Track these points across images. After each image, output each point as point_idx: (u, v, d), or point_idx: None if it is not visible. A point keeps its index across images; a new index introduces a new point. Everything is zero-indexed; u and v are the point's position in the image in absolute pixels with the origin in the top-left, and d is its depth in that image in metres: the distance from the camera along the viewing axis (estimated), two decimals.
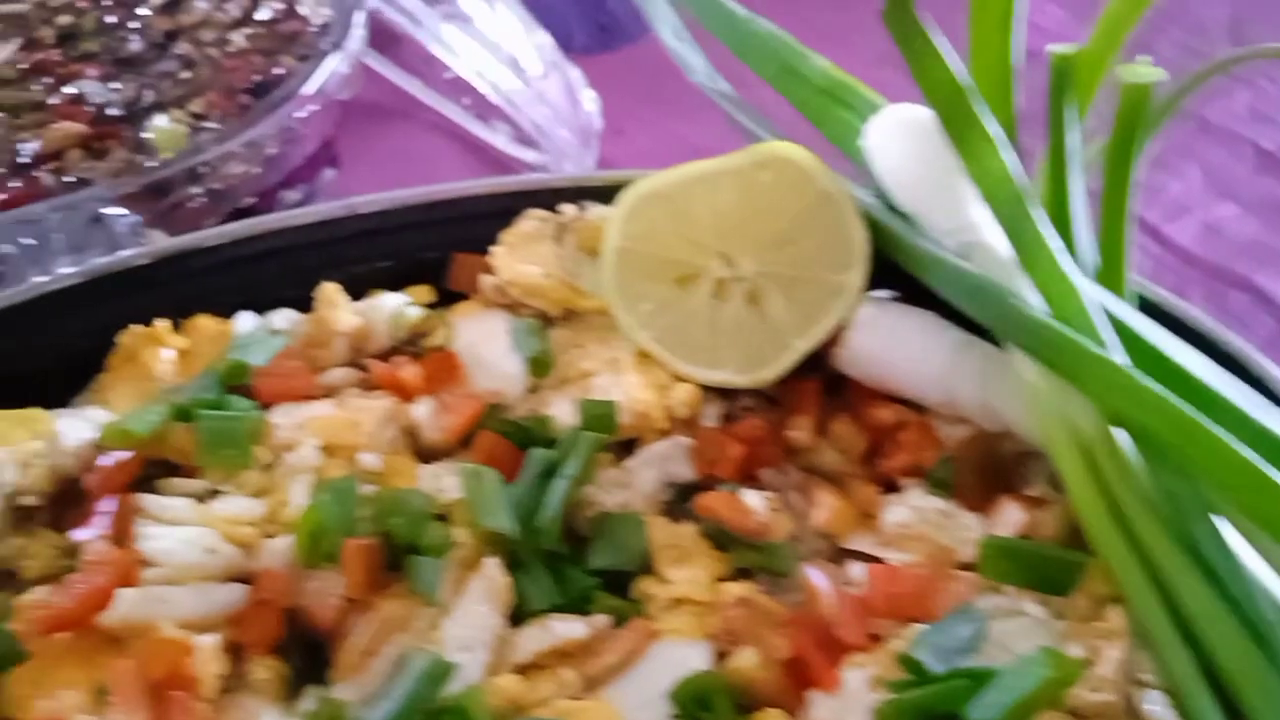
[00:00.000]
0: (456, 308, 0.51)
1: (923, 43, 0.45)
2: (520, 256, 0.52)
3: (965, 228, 0.46)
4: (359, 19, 0.60)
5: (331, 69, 0.56)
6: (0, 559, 0.41)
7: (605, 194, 0.54)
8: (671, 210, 0.48)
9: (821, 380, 0.48)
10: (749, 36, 0.55)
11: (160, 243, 0.49)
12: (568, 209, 0.53)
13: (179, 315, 0.50)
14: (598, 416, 0.45)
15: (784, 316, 0.47)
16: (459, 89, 0.81)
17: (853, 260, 0.47)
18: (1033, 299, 0.44)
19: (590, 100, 0.77)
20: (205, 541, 0.39)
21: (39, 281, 0.47)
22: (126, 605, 0.37)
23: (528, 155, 0.84)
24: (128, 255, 0.48)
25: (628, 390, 0.46)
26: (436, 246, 0.54)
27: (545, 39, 0.76)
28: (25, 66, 0.62)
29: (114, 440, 0.41)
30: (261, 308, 0.51)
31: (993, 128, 0.45)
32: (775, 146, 0.48)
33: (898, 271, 0.48)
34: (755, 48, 0.55)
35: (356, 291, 0.51)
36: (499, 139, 0.85)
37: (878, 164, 0.49)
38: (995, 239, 0.46)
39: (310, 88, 0.55)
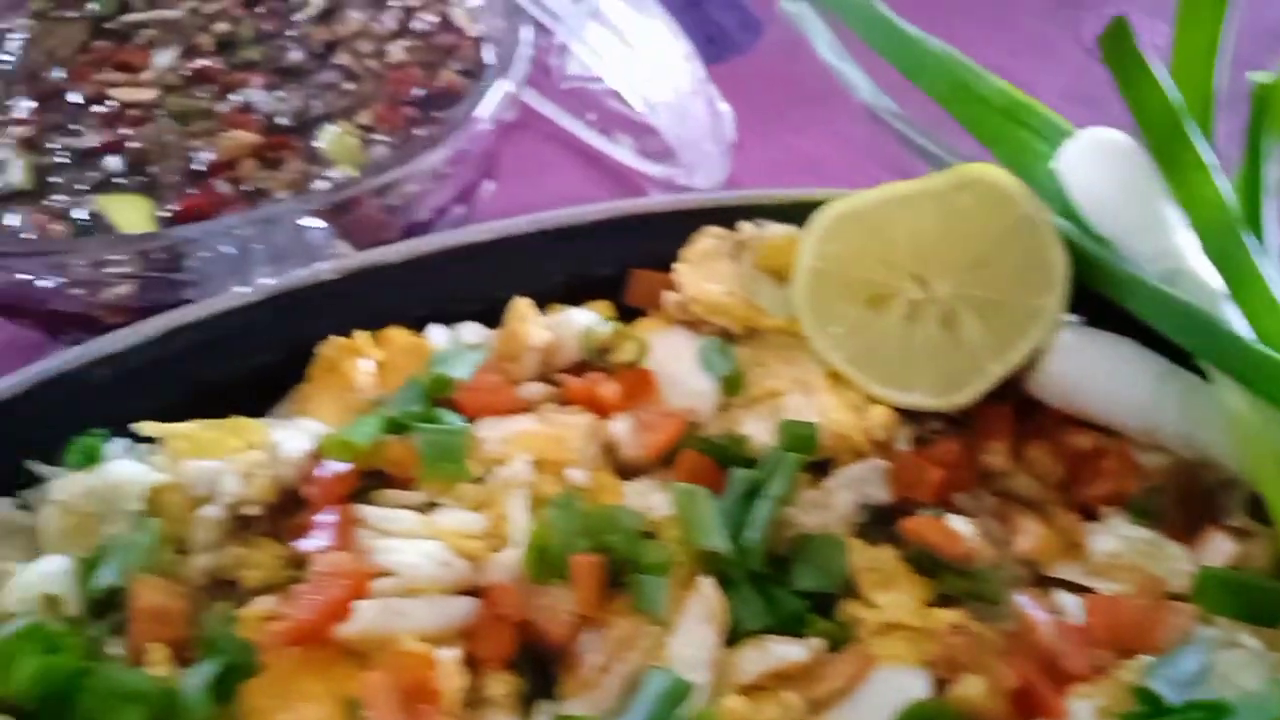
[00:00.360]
0: (640, 323, 0.52)
1: (1138, 67, 0.44)
2: (702, 274, 0.52)
3: (1169, 254, 0.46)
4: (526, 36, 0.60)
5: (505, 90, 0.56)
6: (221, 568, 0.41)
7: (778, 212, 0.54)
8: (867, 231, 0.48)
9: (1014, 405, 0.48)
10: (920, 55, 0.55)
11: (354, 257, 0.49)
12: (746, 227, 0.53)
13: (367, 327, 0.50)
14: (799, 437, 0.45)
15: (979, 340, 0.47)
16: (579, 100, 0.81)
17: (1052, 284, 0.47)
18: (1241, 327, 0.44)
19: (726, 112, 0.77)
20: (439, 554, 0.39)
21: (240, 291, 0.47)
22: (367, 618, 0.37)
23: (653, 169, 0.84)
24: (324, 268, 0.49)
25: (823, 411, 0.46)
26: (610, 262, 0.54)
27: (688, 47, 0.74)
28: (188, 73, 0.63)
29: (335, 451, 0.42)
30: (445, 321, 0.51)
31: (1206, 154, 0.45)
32: (976, 168, 0.48)
33: (1084, 296, 0.48)
34: (926, 66, 0.55)
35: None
36: (622, 152, 0.85)
37: (1074, 187, 0.48)
38: (1200, 266, 0.46)
39: (484, 110, 0.55)
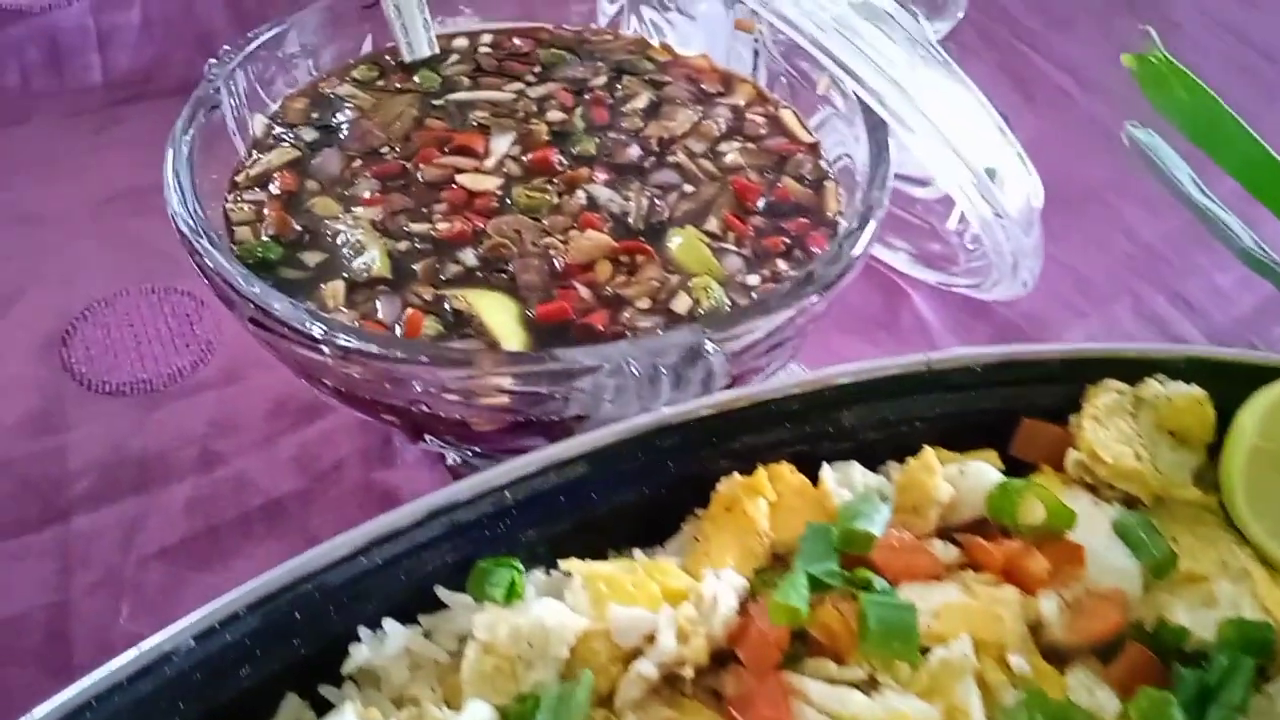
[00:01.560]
0: (1036, 481, 0.49)
1: None
2: (1105, 432, 0.49)
3: None
4: (890, 156, 0.58)
5: (874, 228, 0.54)
6: None
7: (1174, 368, 0.51)
8: None
9: None
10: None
11: (747, 389, 0.47)
12: (1150, 383, 0.50)
13: (744, 461, 0.48)
14: (1253, 640, 0.42)
15: None
16: None
17: None
18: None
19: (1039, 206, 0.68)
20: None
21: (630, 421, 0.45)
22: None
23: (929, 276, 0.81)
24: (719, 399, 0.47)
25: (1265, 606, 0.43)
26: (990, 408, 0.51)
27: (1001, 123, 0.66)
28: (527, 163, 0.62)
29: (780, 616, 0.39)
30: (814, 460, 0.49)
31: None
32: None
33: None
34: None
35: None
36: (898, 258, 0.82)
37: None
38: None
39: (863, 243, 0.53)
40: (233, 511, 0.68)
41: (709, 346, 0.47)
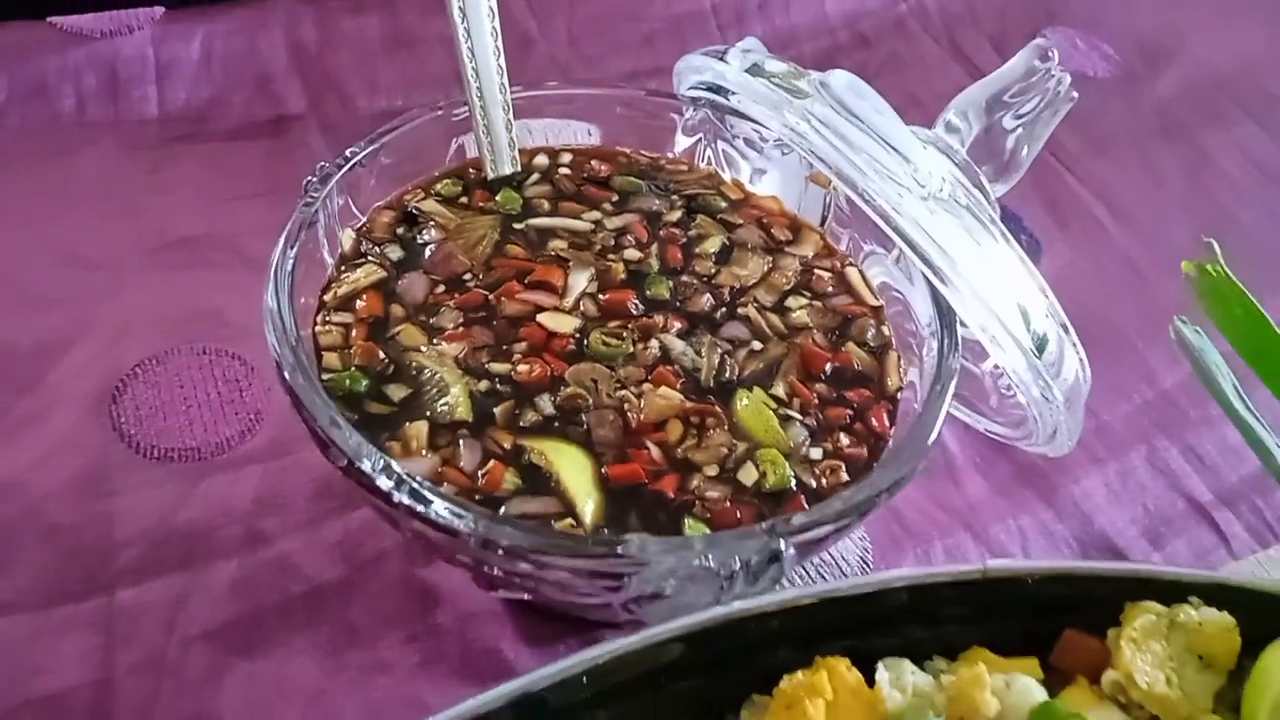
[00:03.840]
0: (1070, 694, 0.52)
1: None
2: (1140, 654, 0.52)
3: None
4: (959, 341, 0.61)
5: (947, 402, 0.57)
6: None
7: (1206, 592, 0.54)
8: None
9: None
10: None
11: (814, 586, 0.50)
12: (1185, 608, 0.53)
13: (801, 655, 0.51)
14: None
15: None
16: None
17: None
18: None
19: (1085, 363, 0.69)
20: None
21: (719, 611, 0.48)
22: None
23: (963, 415, 0.84)
24: (793, 595, 0.49)
25: None
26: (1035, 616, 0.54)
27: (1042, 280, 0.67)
28: (603, 302, 0.64)
29: None
30: (868, 658, 0.52)
31: None
32: None
33: None
34: None
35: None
36: None
37: None
38: None
39: (932, 427, 0.55)
40: (275, 596, 0.70)
41: (787, 551, 0.49)
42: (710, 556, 0.49)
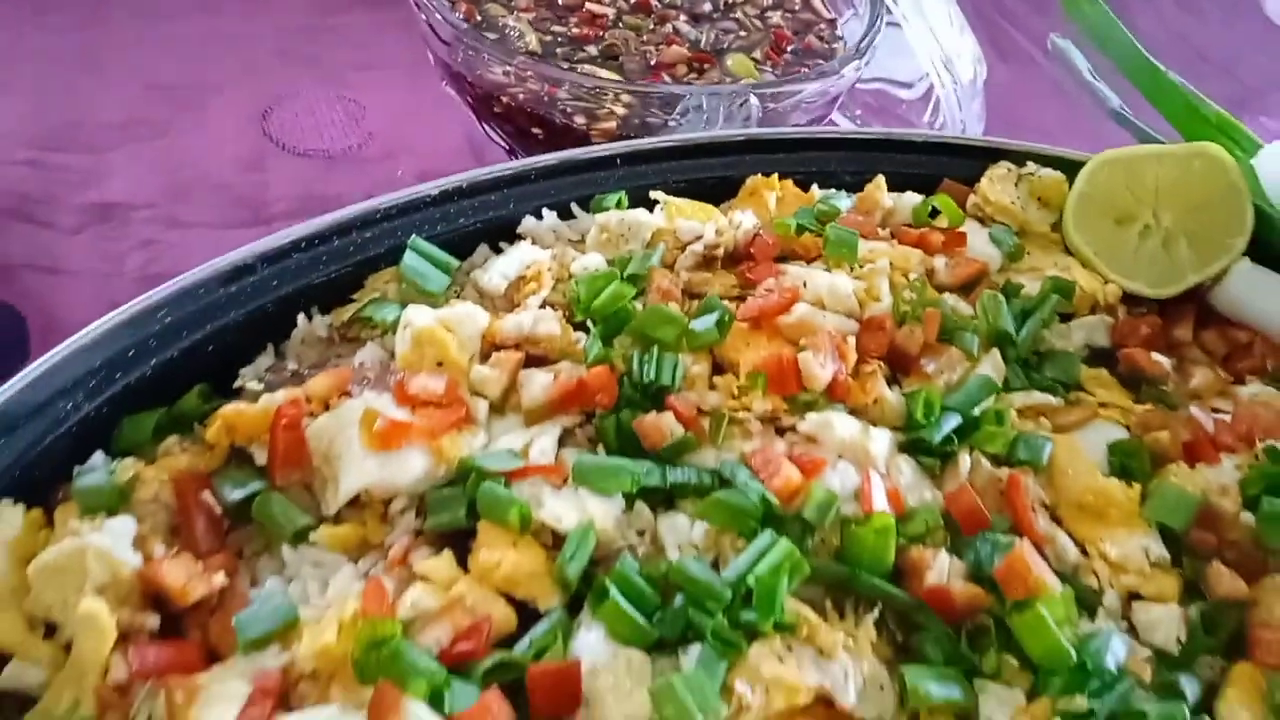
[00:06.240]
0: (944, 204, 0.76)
1: None
2: (995, 189, 0.76)
3: None
4: (880, 28, 0.86)
5: (858, 65, 0.82)
6: (692, 283, 0.66)
7: (1043, 159, 0.79)
8: (1126, 173, 0.72)
9: (1198, 306, 0.71)
10: (1162, 84, 0.80)
11: (786, 129, 0.75)
12: (1030, 165, 0.77)
13: (766, 171, 0.76)
14: (1061, 287, 0.69)
15: (1186, 257, 0.71)
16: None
17: (1243, 230, 0.70)
18: None
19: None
20: (844, 289, 0.63)
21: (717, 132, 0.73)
22: (799, 312, 0.62)
23: None
24: (773, 131, 0.74)
25: (1078, 279, 0.70)
26: (921, 172, 0.79)
27: (974, 43, 0.98)
28: (633, 3, 0.90)
29: (778, 230, 0.67)
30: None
31: None
32: (1209, 146, 0.72)
33: (1262, 245, 0.71)
34: (1165, 92, 0.79)
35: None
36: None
37: (1265, 176, 0.72)
38: None
39: (844, 82, 0.81)
40: None
41: (753, 98, 0.74)
42: (706, 97, 0.74)
